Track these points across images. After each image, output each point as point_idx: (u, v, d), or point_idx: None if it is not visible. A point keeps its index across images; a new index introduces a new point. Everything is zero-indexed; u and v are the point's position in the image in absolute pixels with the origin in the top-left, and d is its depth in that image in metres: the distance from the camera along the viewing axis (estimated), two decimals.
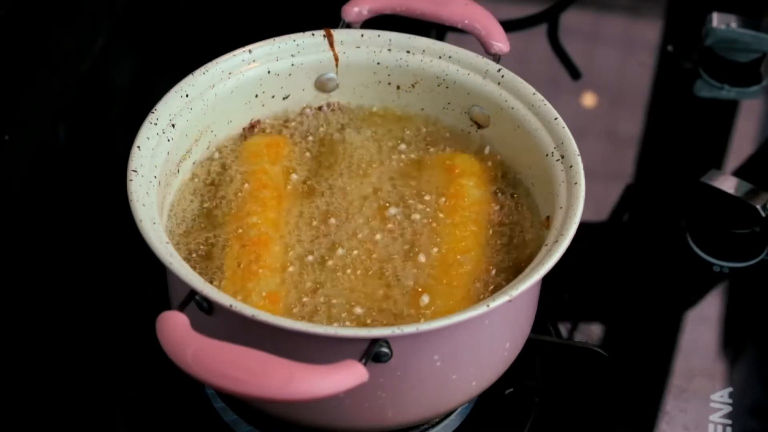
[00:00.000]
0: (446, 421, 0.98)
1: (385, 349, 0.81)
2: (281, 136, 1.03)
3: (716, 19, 1.33)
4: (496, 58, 1.01)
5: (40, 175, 1.20)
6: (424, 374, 0.86)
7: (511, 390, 1.01)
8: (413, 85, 1.03)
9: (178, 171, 0.97)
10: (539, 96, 0.97)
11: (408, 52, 1.02)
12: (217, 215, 0.96)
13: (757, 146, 1.31)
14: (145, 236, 0.85)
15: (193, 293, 0.82)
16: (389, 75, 1.03)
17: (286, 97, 1.03)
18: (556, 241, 0.87)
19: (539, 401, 1.01)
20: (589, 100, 1.36)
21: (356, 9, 1.03)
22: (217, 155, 1.01)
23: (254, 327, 0.81)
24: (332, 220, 0.96)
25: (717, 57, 1.35)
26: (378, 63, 1.02)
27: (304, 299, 0.90)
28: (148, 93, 1.20)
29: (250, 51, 1.00)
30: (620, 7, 1.50)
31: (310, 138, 1.03)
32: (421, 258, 0.93)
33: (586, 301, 1.11)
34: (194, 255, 0.93)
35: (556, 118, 0.95)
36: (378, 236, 0.95)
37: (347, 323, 0.89)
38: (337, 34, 1.02)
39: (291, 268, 0.92)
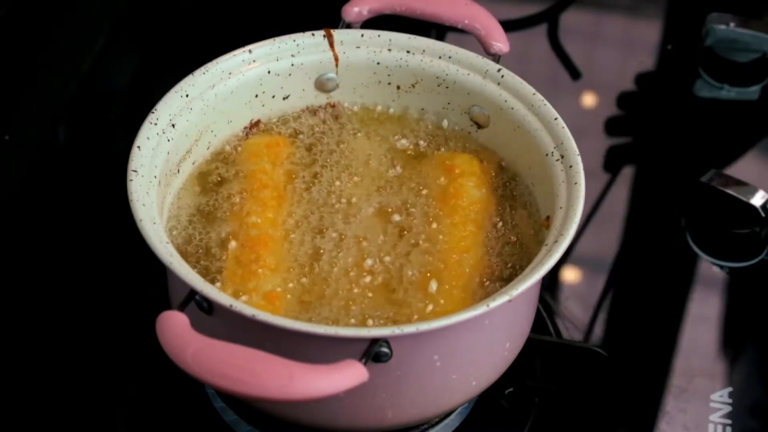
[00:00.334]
0: (446, 421, 0.98)
1: (385, 349, 0.81)
2: (281, 136, 1.03)
3: (716, 19, 1.33)
4: (496, 58, 1.01)
5: (40, 175, 1.20)
6: (424, 374, 0.86)
7: (511, 390, 1.01)
8: (413, 85, 1.03)
9: (179, 171, 0.97)
10: (539, 96, 0.97)
11: (408, 52, 1.02)
12: (217, 215, 0.96)
13: (757, 146, 1.31)
14: (145, 236, 0.85)
15: (193, 293, 0.82)
16: (389, 75, 1.03)
17: (286, 97, 1.03)
18: (556, 241, 0.87)
19: (539, 401, 1.01)
20: (589, 100, 1.36)
21: (356, 9, 1.03)
22: (217, 155, 1.01)
23: (254, 327, 0.81)
24: (332, 220, 0.96)
25: (717, 57, 1.35)
26: (378, 63, 1.03)
27: (304, 299, 0.90)
28: (148, 93, 1.21)
29: (250, 51, 1.00)
30: (620, 7, 1.50)
31: (310, 138, 1.03)
32: (421, 258, 0.93)
33: (586, 301, 1.11)
34: (194, 255, 0.93)
35: (556, 118, 0.95)
36: (378, 236, 0.95)
37: (347, 323, 0.89)
38: (337, 34, 1.02)
39: (291, 268, 0.92)
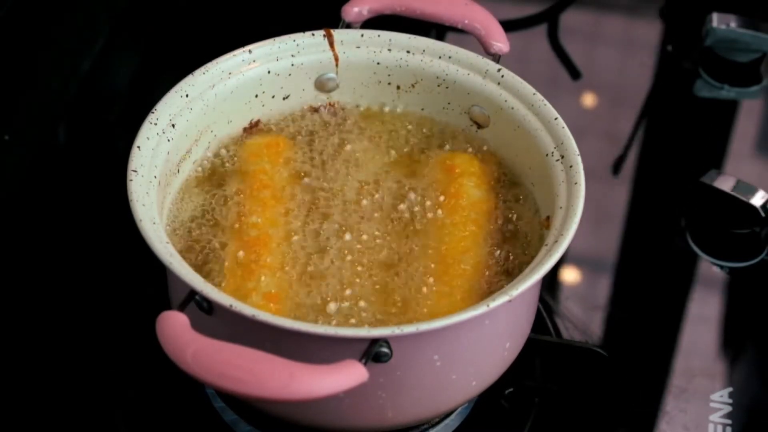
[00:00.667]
0: (446, 421, 0.98)
1: (385, 349, 0.81)
2: (281, 136, 1.03)
3: (716, 19, 1.33)
4: (496, 58, 1.01)
5: (40, 175, 1.20)
6: (424, 374, 0.86)
7: (511, 390, 1.01)
8: (413, 85, 1.03)
9: (178, 171, 0.97)
10: (539, 96, 0.97)
11: (408, 52, 1.02)
12: (217, 215, 0.96)
13: (757, 146, 1.31)
14: (145, 236, 0.85)
15: (193, 293, 0.82)
16: (389, 75, 1.03)
17: (286, 97, 1.03)
18: (556, 241, 0.87)
19: (539, 401, 1.01)
20: (589, 100, 1.36)
21: (356, 9, 1.03)
22: (217, 155, 1.01)
23: (254, 327, 0.81)
24: (332, 220, 0.96)
25: (717, 57, 1.35)
26: (378, 63, 1.03)
27: (304, 299, 0.90)
28: (148, 93, 1.21)
29: (250, 51, 1.00)
30: (620, 7, 1.50)
31: (310, 138, 1.03)
32: (421, 258, 0.93)
33: (586, 301, 1.11)
34: (194, 255, 0.93)
35: (556, 118, 0.95)
36: (378, 236, 0.95)
37: (346, 323, 0.89)
38: (337, 34, 1.02)
39: (291, 268, 0.92)
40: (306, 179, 0.99)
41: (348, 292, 0.90)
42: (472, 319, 0.82)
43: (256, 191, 0.97)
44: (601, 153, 1.28)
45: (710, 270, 1.13)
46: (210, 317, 0.83)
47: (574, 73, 1.37)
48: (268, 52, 1.01)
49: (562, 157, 0.93)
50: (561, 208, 0.90)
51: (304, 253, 0.93)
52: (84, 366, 1.02)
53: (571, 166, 0.92)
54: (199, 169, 0.99)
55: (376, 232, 0.95)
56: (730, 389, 1.03)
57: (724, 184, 1.15)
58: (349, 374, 0.77)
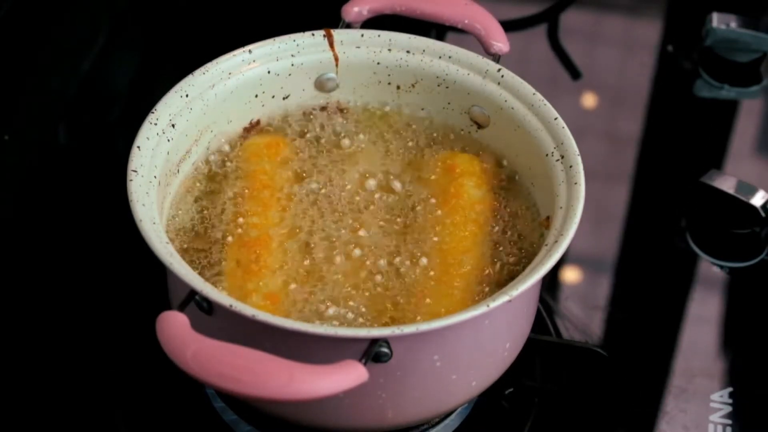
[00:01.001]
0: (446, 421, 0.98)
1: (385, 349, 0.81)
2: (281, 136, 1.03)
3: (716, 19, 1.33)
4: (496, 58, 1.01)
5: (40, 175, 1.20)
6: (424, 374, 0.86)
7: (511, 390, 1.01)
8: (413, 85, 1.03)
9: (178, 171, 0.97)
10: (539, 96, 0.97)
11: (408, 52, 1.02)
12: (217, 216, 0.96)
13: (757, 146, 1.31)
14: (145, 236, 0.85)
15: (193, 293, 0.82)
16: (389, 75, 1.03)
17: (286, 97, 1.03)
18: (556, 241, 0.87)
19: (539, 401, 1.01)
20: (589, 100, 1.36)
21: (356, 9, 1.03)
22: (217, 155, 1.01)
23: (254, 327, 0.81)
24: (331, 221, 0.95)
25: (717, 57, 1.35)
26: (378, 63, 1.02)
27: (304, 299, 0.90)
28: (148, 93, 1.21)
29: (250, 51, 1.00)
30: (620, 7, 1.50)
31: (310, 138, 1.03)
32: (421, 258, 0.93)
33: (586, 301, 1.11)
34: (193, 255, 0.93)
35: (556, 118, 0.95)
36: (377, 236, 0.95)
37: (346, 323, 0.89)
38: (337, 34, 1.02)
39: (291, 269, 0.92)
40: (305, 179, 0.99)
41: (349, 291, 0.90)
42: (472, 319, 0.82)
43: (255, 192, 0.97)
44: (601, 153, 1.28)
45: (710, 270, 1.13)
46: (210, 317, 0.83)
47: (575, 73, 1.37)
48: (268, 52, 1.01)
49: (562, 157, 0.93)
50: (561, 208, 0.90)
51: (303, 252, 0.93)
52: (84, 366, 1.02)
53: (571, 166, 0.92)
54: (199, 169, 0.99)
55: (376, 233, 0.95)
56: (731, 389, 1.03)
57: (724, 184, 1.15)
58: (349, 374, 0.77)
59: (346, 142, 1.02)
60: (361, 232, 0.95)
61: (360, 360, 0.78)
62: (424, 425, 0.96)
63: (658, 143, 1.30)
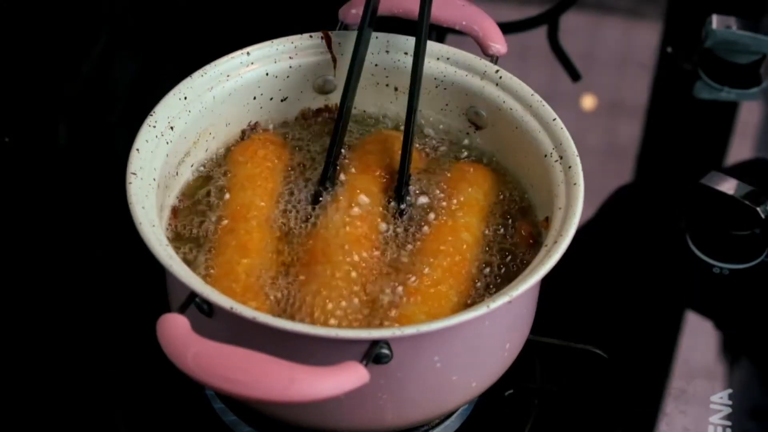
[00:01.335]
0: (446, 422, 0.98)
1: (385, 351, 0.81)
2: (279, 138, 1.03)
3: (716, 21, 1.33)
4: (494, 59, 1.01)
5: (40, 176, 1.20)
6: (425, 375, 0.86)
7: (511, 391, 1.01)
8: None
9: (177, 173, 0.97)
10: (537, 97, 0.97)
11: (406, 53, 1.02)
12: (216, 217, 0.96)
13: (757, 148, 1.31)
14: (144, 239, 0.85)
15: (193, 295, 0.82)
16: (387, 77, 1.03)
17: (284, 99, 1.03)
18: (556, 242, 0.87)
19: (539, 403, 1.01)
20: (588, 101, 1.36)
21: (354, 11, 1.03)
22: (215, 157, 1.01)
23: (255, 329, 0.81)
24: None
25: (717, 59, 1.35)
26: (376, 65, 1.02)
27: (301, 300, 0.90)
28: (149, 94, 1.20)
29: (248, 53, 1.00)
30: (620, 9, 1.50)
31: (309, 140, 1.03)
32: (420, 259, 0.93)
33: (586, 302, 1.11)
34: (193, 256, 0.93)
35: (554, 119, 0.95)
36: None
37: (343, 324, 0.88)
38: (335, 36, 1.02)
39: (288, 270, 0.92)
40: (304, 181, 0.99)
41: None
42: (472, 320, 0.82)
43: (254, 194, 0.96)
44: (601, 154, 1.28)
45: (710, 272, 1.13)
46: (210, 319, 0.83)
47: (574, 75, 1.37)
48: (266, 54, 1.01)
49: (561, 157, 0.93)
50: (560, 208, 0.90)
51: (302, 253, 0.93)
52: (85, 367, 1.02)
53: (570, 167, 0.92)
54: (198, 171, 0.99)
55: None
56: (730, 391, 1.03)
57: (724, 185, 1.15)
58: (350, 376, 0.77)
59: (344, 143, 1.02)
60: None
61: (361, 361, 0.78)
62: (425, 426, 0.96)
63: (657, 145, 1.30)
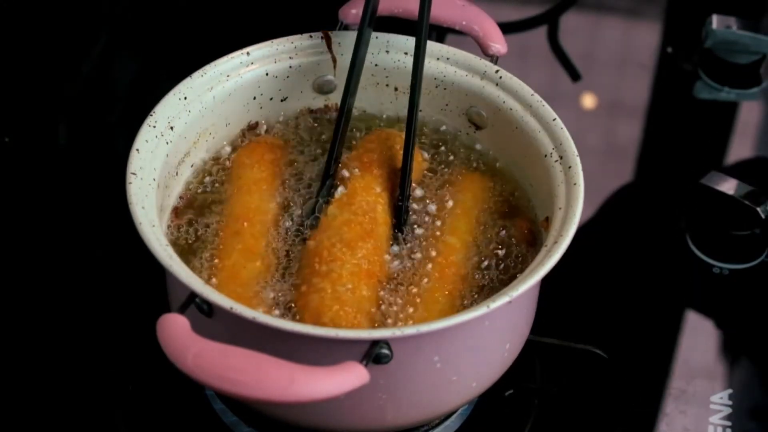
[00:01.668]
0: (446, 423, 0.98)
1: (385, 351, 0.81)
2: (279, 138, 1.03)
3: (716, 21, 1.33)
4: (494, 59, 1.01)
5: (40, 176, 1.20)
6: (425, 375, 0.86)
7: (511, 392, 1.01)
8: None
9: (177, 173, 0.97)
10: (537, 97, 0.97)
11: (406, 53, 1.02)
12: (215, 217, 0.96)
13: (757, 148, 1.31)
14: (144, 239, 0.84)
15: (193, 296, 0.82)
16: (387, 77, 1.03)
17: (284, 99, 1.03)
18: (556, 242, 0.87)
19: (539, 403, 1.01)
20: (588, 101, 1.36)
21: (354, 11, 1.03)
22: (215, 157, 1.01)
23: (255, 329, 0.81)
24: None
25: (717, 59, 1.35)
26: (376, 65, 1.02)
27: (298, 301, 0.90)
28: (149, 94, 1.20)
29: (248, 53, 1.00)
30: (620, 9, 1.50)
31: (308, 140, 1.03)
32: (419, 260, 0.93)
33: (586, 302, 1.11)
34: (191, 257, 0.93)
35: (554, 119, 0.95)
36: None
37: (344, 326, 0.88)
38: (335, 36, 1.02)
39: (286, 271, 0.92)
40: (303, 182, 0.99)
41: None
42: (472, 320, 0.82)
43: (253, 194, 0.96)
44: (601, 154, 1.28)
45: (710, 272, 1.13)
46: (210, 320, 0.83)
47: (574, 75, 1.37)
48: (266, 54, 1.01)
49: (561, 157, 0.93)
50: (560, 209, 0.90)
51: (300, 254, 0.93)
52: (85, 367, 1.02)
53: (570, 167, 0.92)
54: (198, 171, 0.99)
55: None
56: (730, 391, 1.03)
57: (724, 186, 1.15)
58: (350, 376, 0.77)
59: (343, 144, 1.02)
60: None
61: (361, 361, 0.78)
62: (425, 426, 0.96)
63: (657, 145, 1.30)
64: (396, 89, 1.04)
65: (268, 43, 1.01)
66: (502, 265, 0.94)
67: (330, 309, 0.87)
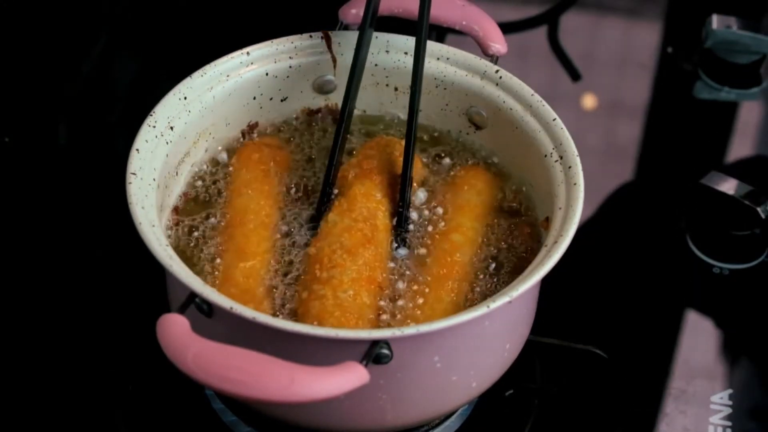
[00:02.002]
0: (446, 423, 0.98)
1: (385, 351, 0.81)
2: (279, 138, 1.03)
3: (716, 21, 1.33)
4: (494, 59, 1.01)
5: (40, 176, 1.20)
6: (425, 375, 0.86)
7: (511, 392, 1.01)
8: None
9: (177, 173, 0.97)
10: (537, 97, 0.97)
11: (406, 53, 1.02)
12: (215, 218, 0.96)
13: (757, 148, 1.31)
14: (144, 239, 0.84)
15: (193, 296, 0.82)
16: (387, 77, 1.03)
17: (284, 99, 1.03)
18: (556, 242, 0.87)
19: (539, 403, 1.01)
20: (588, 101, 1.36)
21: (354, 11, 1.03)
22: (215, 157, 1.01)
23: (255, 329, 0.81)
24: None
25: (717, 59, 1.35)
26: (376, 65, 1.02)
27: (300, 308, 0.90)
28: (149, 94, 1.20)
29: (248, 53, 1.00)
30: (620, 9, 1.50)
31: (308, 140, 1.03)
32: (419, 260, 0.93)
33: (586, 302, 1.11)
34: (190, 257, 0.93)
35: (554, 119, 0.95)
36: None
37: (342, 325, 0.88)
38: (335, 36, 1.02)
39: (285, 272, 0.92)
40: (303, 182, 0.99)
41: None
42: (472, 320, 0.82)
43: (253, 194, 0.96)
44: (601, 154, 1.28)
45: (710, 272, 1.13)
46: (210, 320, 0.83)
47: (574, 75, 1.37)
48: (265, 54, 1.01)
49: (561, 157, 0.93)
50: (560, 209, 0.90)
51: (299, 255, 0.93)
52: (84, 367, 1.02)
53: (570, 167, 0.92)
54: (198, 171, 0.99)
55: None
56: (730, 391, 1.03)
57: (724, 186, 1.15)
58: (350, 376, 0.77)
59: (344, 144, 1.02)
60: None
61: (361, 362, 0.78)
62: (425, 426, 0.96)
63: (657, 145, 1.30)
64: (396, 89, 1.04)
65: (268, 43, 1.01)
66: (502, 265, 0.94)
67: (331, 315, 0.87)
